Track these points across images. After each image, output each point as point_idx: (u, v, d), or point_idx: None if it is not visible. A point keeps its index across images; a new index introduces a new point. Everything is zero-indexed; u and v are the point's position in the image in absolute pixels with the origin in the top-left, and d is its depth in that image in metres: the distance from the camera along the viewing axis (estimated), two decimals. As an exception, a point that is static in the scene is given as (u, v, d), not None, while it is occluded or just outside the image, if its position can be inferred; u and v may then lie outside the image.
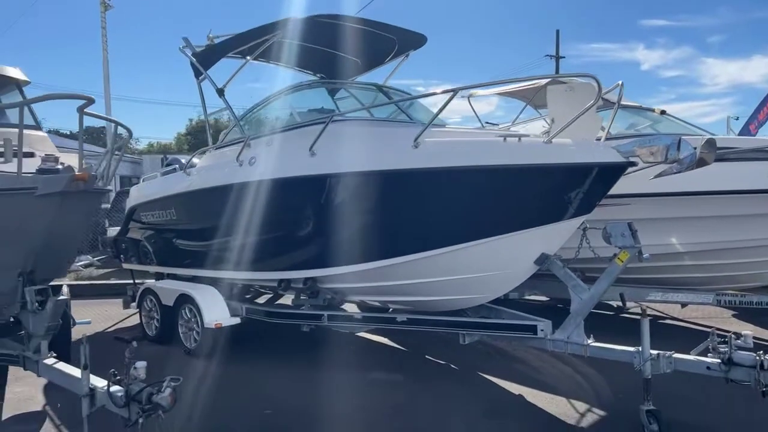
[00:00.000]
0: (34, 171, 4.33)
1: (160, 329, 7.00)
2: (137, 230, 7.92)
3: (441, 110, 4.87)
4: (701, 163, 4.17)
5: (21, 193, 4.23)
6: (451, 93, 4.70)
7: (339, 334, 7.38)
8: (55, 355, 4.69)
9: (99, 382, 3.96)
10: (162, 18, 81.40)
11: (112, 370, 3.86)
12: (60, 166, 4.40)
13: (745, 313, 7.87)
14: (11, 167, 4.66)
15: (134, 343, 3.84)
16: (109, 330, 7.88)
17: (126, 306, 8.08)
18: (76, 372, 4.30)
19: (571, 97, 4.92)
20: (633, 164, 4.42)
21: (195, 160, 7.90)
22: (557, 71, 34.61)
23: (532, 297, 8.13)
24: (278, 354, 6.63)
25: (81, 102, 4.21)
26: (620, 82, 4.69)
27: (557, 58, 34.81)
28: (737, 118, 16.14)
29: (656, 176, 4.59)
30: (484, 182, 4.64)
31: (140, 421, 3.60)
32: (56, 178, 4.19)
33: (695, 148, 4.11)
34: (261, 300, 7.72)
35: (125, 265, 8.73)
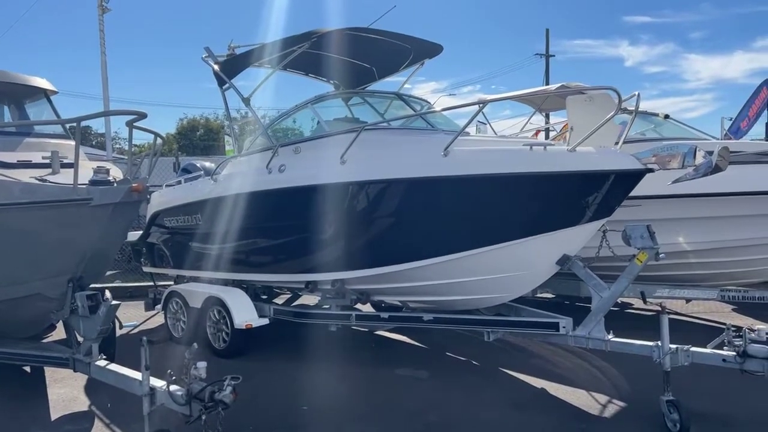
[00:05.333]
0: (87, 182, 4.53)
1: (187, 331, 7.20)
2: (160, 235, 8.08)
3: (470, 121, 5.14)
4: (716, 169, 4.44)
5: (76, 204, 4.44)
6: (481, 105, 4.99)
7: (357, 332, 7.65)
8: (105, 357, 4.93)
9: (157, 382, 4.21)
10: (152, 19, 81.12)
11: (169, 371, 4.13)
12: (111, 178, 4.62)
13: (744, 308, 8.24)
14: (59, 178, 4.89)
15: (195, 345, 4.08)
16: (134, 332, 8.05)
17: (148, 308, 8.24)
18: (130, 373, 4.55)
19: (590, 107, 5.20)
20: (651, 171, 4.70)
21: (210, 164, 8.13)
22: (547, 69, 35.28)
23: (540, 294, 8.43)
24: (301, 353, 6.78)
25: (130, 117, 4.46)
26: (637, 93, 4.98)
27: (547, 56, 35.30)
28: (731, 119, 16.62)
29: (673, 182, 4.88)
30: (511, 188, 4.91)
31: (203, 417, 3.87)
32: (113, 190, 4.40)
33: (711, 157, 4.40)
34: (279, 301, 7.94)
35: (146, 269, 8.89)
